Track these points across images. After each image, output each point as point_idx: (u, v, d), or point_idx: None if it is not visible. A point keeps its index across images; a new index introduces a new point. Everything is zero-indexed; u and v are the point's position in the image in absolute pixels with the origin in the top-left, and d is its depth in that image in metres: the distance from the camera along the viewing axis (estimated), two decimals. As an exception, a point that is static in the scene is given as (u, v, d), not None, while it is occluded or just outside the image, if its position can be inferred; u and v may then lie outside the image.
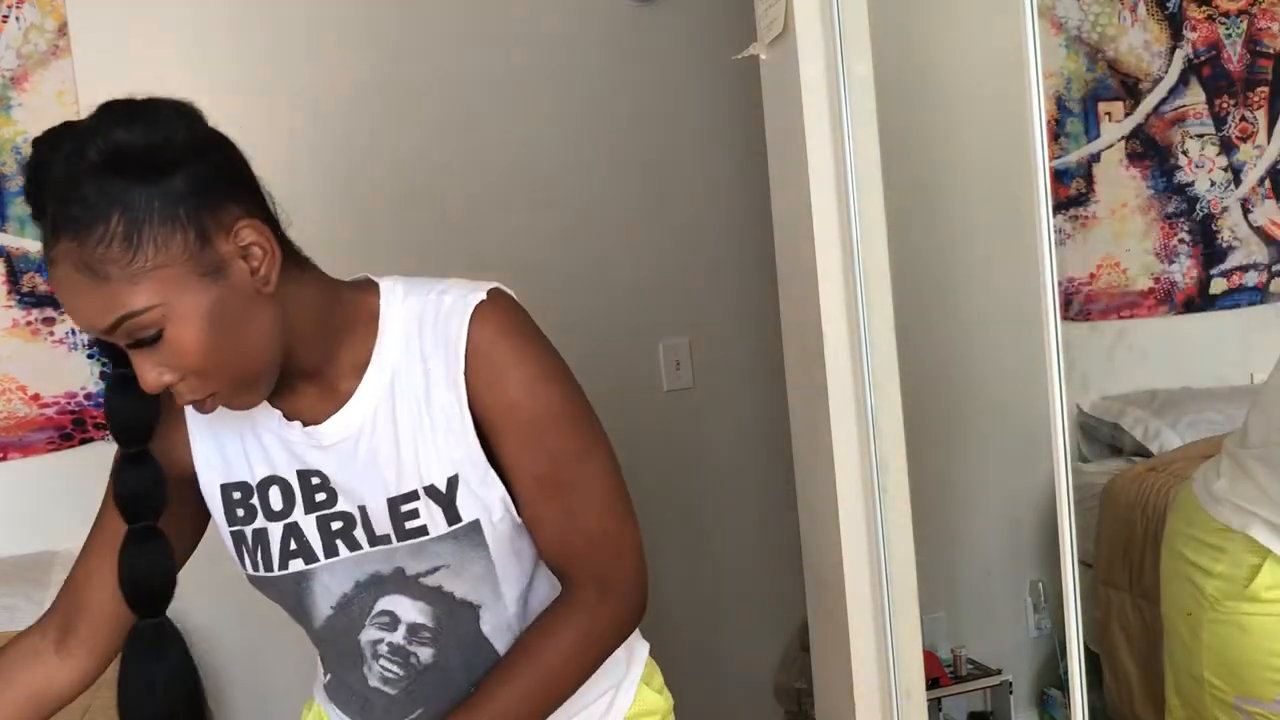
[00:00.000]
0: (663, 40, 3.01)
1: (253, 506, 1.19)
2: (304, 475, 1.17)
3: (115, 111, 1.05)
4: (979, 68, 3.02)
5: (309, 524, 1.18)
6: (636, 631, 1.37)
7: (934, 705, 2.84)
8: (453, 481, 1.15)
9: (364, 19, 2.86)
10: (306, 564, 1.18)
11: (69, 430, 2.68)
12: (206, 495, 1.22)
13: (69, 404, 2.68)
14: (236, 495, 1.20)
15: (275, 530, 1.18)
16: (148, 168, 1.02)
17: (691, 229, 3.04)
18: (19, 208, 2.64)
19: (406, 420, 1.15)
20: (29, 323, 2.66)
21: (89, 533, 1.27)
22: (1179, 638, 1.78)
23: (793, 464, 2.09)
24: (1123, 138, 3.26)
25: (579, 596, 1.19)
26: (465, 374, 1.14)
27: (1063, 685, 3.04)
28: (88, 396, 2.69)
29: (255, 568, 1.20)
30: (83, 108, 2.97)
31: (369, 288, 1.19)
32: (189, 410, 1.20)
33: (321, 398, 1.17)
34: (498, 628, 1.22)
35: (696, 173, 3.04)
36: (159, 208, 1.01)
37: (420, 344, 1.15)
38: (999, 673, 2.94)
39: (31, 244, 2.65)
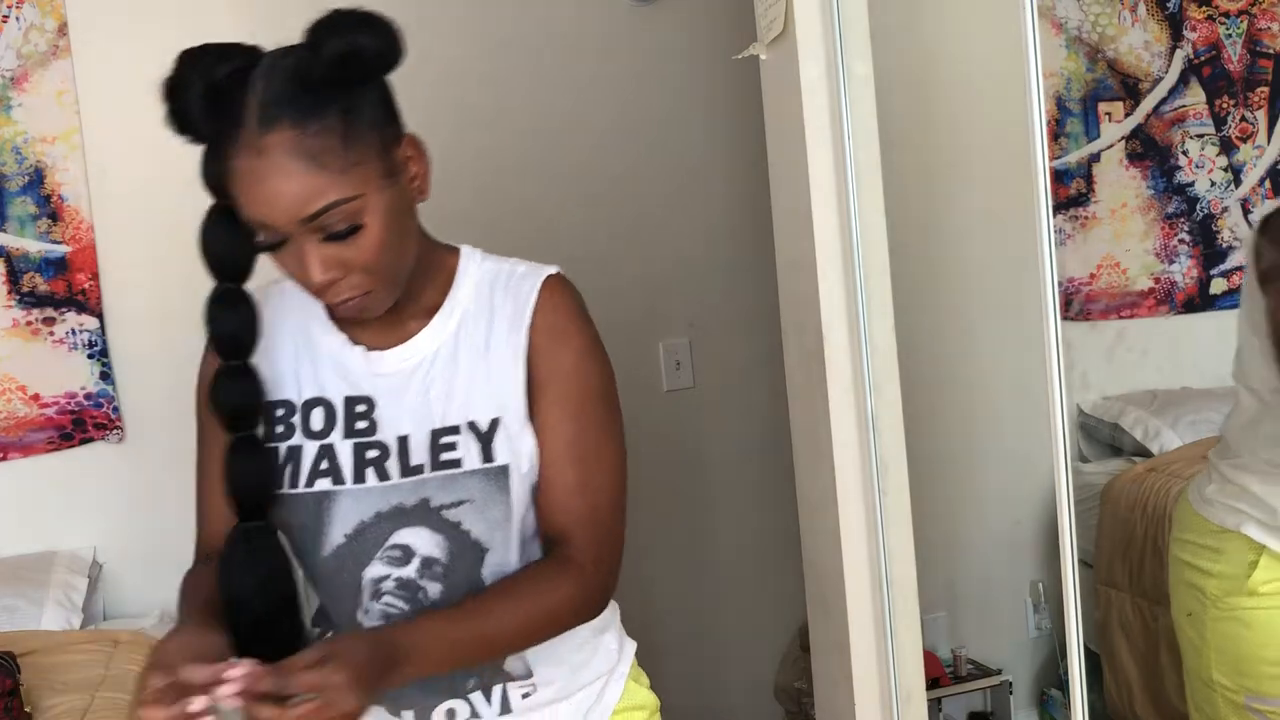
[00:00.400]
0: (663, 40, 3.00)
1: (292, 424, 1.24)
2: (350, 401, 1.24)
3: (353, 17, 1.15)
4: (979, 68, 3.02)
5: (345, 448, 1.23)
6: (622, 626, 1.41)
7: (934, 705, 2.84)
8: (494, 424, 1.22)
9: (364, 19, 2.86)
10: (333, 485, 1.22)
11: (69, 430, 2.68)
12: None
13: (69, 404, 2.68)
14: (279, 412, 1.25)
15: (310, 448, 1.23)
16: (368, 71, 1.16)
17: (691, 229, 3.04)
18: (19, 207, 2.64)
19: (465, 363, 1.24)
20: (29, 323, 2.66)
21: (201, 468, 1.28)
22: (1189, 642, 1.81)
23: (793, 464, 2.09)
24: (1123, 138, 3.25)
25: (576, 559, 1.23)
26: (529, 330, 1.24)
27: (1063, 685, 3.04)
28: (88, 396, 2.69)
29: (280, 484, 1.23)
30: (83, 108, 2.97)
31: (452, 248, 1.31)
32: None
33: (389, 330, 1.25)
34: (496, 574, 1.25)
35: (696, 173, 3.04)
36: (368, 109, 1.15)
37: (490, 299, 1.26)
38: (999, 673, 2.94)
39: (31, 244, 2.65)
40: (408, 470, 1.22)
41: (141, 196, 2.76)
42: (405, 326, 1.25)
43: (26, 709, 2.05)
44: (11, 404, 2.65)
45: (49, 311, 2.67)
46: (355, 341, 1.26)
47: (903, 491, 1.88)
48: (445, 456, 1.21)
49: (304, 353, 1.26)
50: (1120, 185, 3.27)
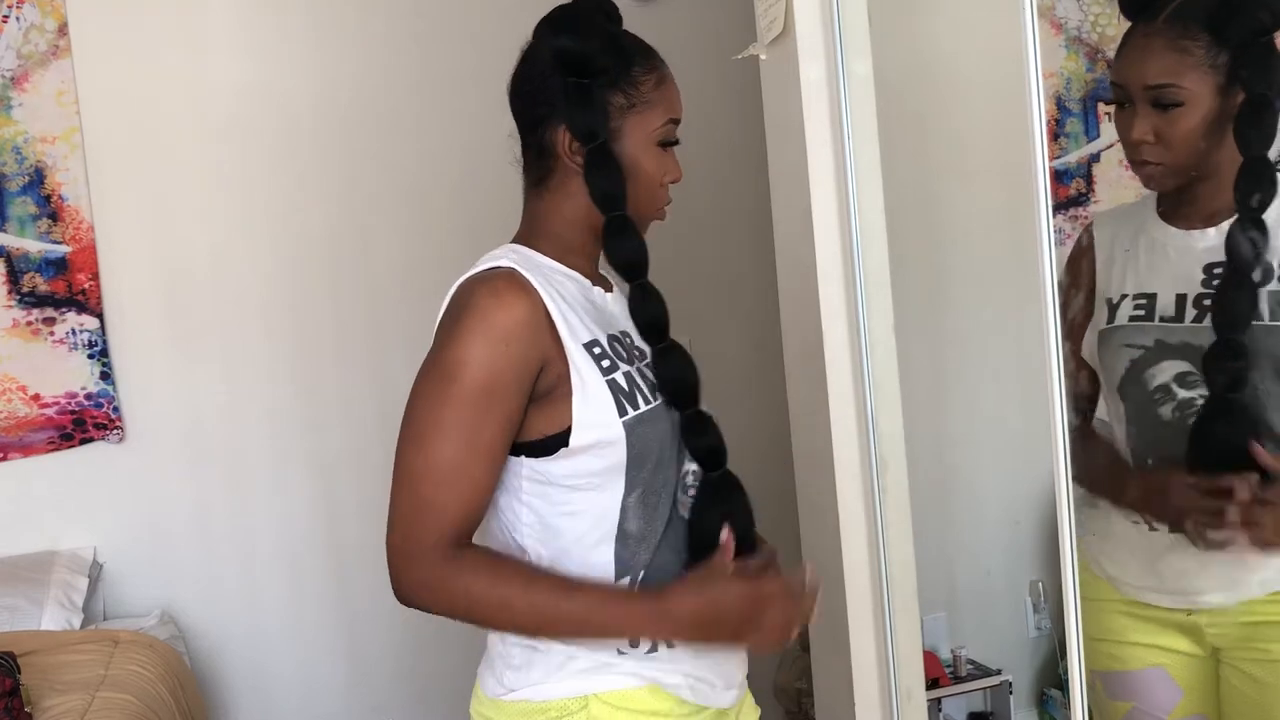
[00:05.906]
0: (663, 40, 2.97)
1: (611, 357, 1.38)
2: (613, 338, 1.42)
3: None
4: (979, 68, 3.02)
5: (645, 371, 1.41)
6: None
7: (934, 705, 2.84)
8: None
9: (363, 20, 2.85)
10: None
11: (69, 430, 2.68)
12: (570, 356, 1.35)
13: (69, 404, 2.68)
14: (596, 350, 1.38)
15: (634, 372, 1.40)
16: None
17: (692, 229, 3.04)
18: (19, 208, 2.64)
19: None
20: (29, 323, 2.66)
21: (459, 453, 1.30)
22: None
23: (793, 464, 2.09)
24: (1123, 138, 3.26)
25: None
26: None
27: (1063, 685, 3.03)
28: (88, 396, 2.69)
29: (635, 405, 1.36)
30: (83, 108, 2.97)
31: None
32: (544, 295, 1.37)
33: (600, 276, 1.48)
34: None
35: (696, 173, 3.02)
36: None
37: None
38: (999, 673, 2.94)
39: (31, 244, 2.65)
40: None
41: (141, 196, 2.76)
42: (603, 278, 1.48)
43: (27, 709, 2.05)
44: (11, 404, 2.65)
45: (49, 311, 2.67)
46: (594, 284, 1.46)
47: (902, 491, 1.88)
48: None
49: (585, 301, 1.43)
50: (1120, 185, 3.27)
